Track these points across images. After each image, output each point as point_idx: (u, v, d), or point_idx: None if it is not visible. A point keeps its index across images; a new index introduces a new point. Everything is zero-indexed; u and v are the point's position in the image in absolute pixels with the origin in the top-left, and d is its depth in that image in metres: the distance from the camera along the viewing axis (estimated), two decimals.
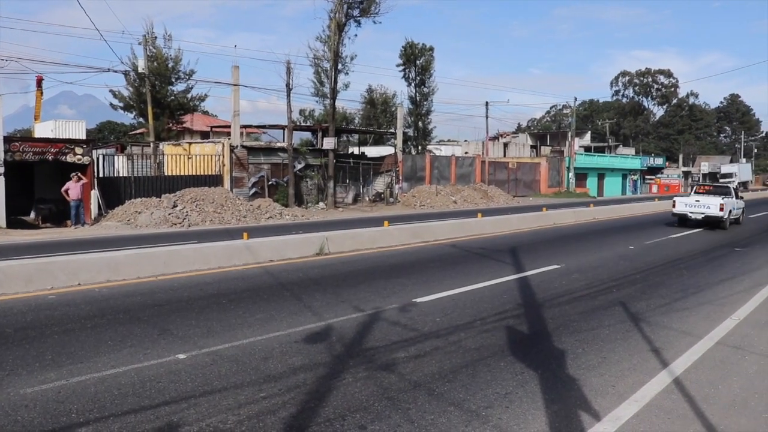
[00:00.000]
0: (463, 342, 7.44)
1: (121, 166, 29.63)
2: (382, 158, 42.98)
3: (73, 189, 22.77)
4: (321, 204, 35.52)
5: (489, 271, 12.67)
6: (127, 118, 53.81)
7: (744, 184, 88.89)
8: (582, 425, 5.07)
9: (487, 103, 56.04)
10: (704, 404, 5.54)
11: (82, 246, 16.54)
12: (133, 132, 56.34)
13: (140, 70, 32.32)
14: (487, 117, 56.31)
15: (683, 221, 24.52)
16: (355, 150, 48.30)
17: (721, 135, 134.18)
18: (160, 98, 35.28)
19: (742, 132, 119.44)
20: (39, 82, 31.25)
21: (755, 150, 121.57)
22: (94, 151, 25.51)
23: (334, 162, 35.64)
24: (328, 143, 35.52)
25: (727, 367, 6.67)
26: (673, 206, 25.02)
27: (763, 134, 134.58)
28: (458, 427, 4.98)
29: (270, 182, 34.13)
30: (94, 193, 24.56)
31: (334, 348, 7.10)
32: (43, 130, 32.75)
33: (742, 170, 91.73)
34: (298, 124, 50.84)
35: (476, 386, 5.92)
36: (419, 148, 53.10)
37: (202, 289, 10.42)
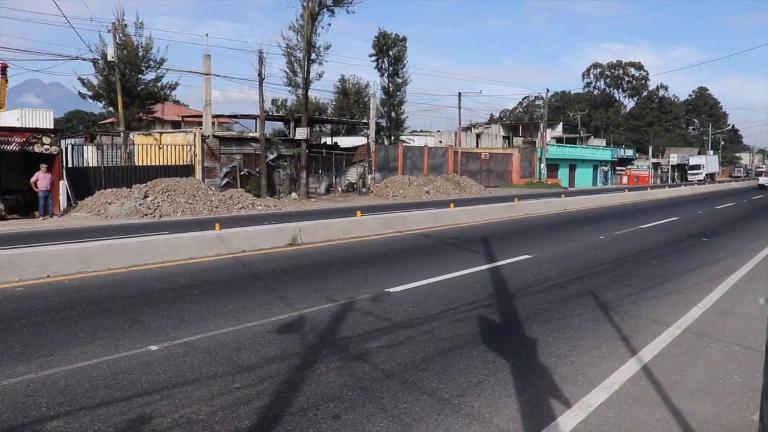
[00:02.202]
0: (435, 331, 7.49)
1: (90, 157, 29.21)
2: (354, 148, 42.92)
3: (41, 180, 22.44)
4: (293, 194, 35.39)
5: (461, 261, 12.75)
6: (97, 107, 53.13)
7: (711, 176, 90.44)
8: (553, 412, 5.14)
9: (459, 93, 56.28)
10: (671, 390, 5.65)
11: (50, 237, 16.31)
12: (102, 121, 55.62)
13: (110, 58, 31.87)
14: (459, 108, 56.63)
15: (763, 187, 53.02)
16: (328, 140, 48.16)
17: (690, 127, 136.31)
18: (130, 87, 34.81)
19: (710, 125, 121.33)
20: (3, 69, 30.63)
21: (722, 142, 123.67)
22: (62, 141, 25.09)
23: (306, 152, 35.53)
24: (301, 133, 35.36)
25: (693, 354, 6.80)
26: (758, 180, 55.94)
27: (730, 127, 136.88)
28: (431, 415, 5.03)
29: (242, 172, 33.91)
30: (63, 184, 24.19)
31: (307, 338, 7.11)
32: (8, 119, 32.12)
33: (709, 162, 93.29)
34: (270, 114, 50.54)
35: (449, 375, 5.97)
36: (392, 138, 53.13)
37: (174, 280, 10.36)
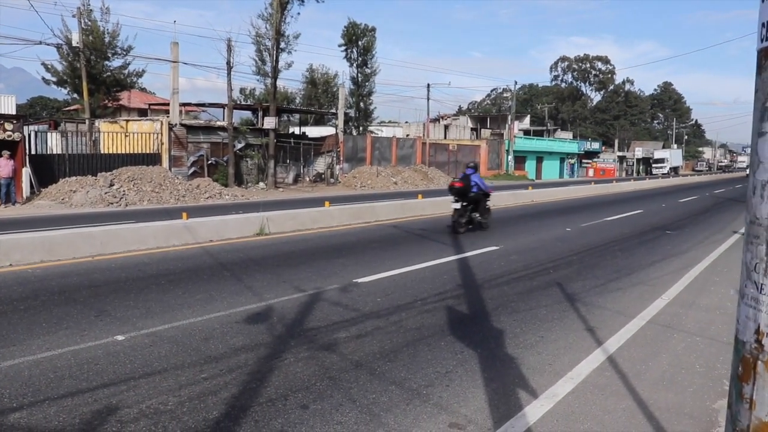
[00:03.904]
0: (404, 322, 7.52)
1: (54, 144, 28.69)
2: (323, 139, 42.77)
3: (3, 167, 22.00)
4: (261, 184, 35.17)
5: (430, 252, 12.80)
6: (61, 93, 51.85)
7: (675, 170, 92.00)
8: (520, 402, 5.19)
9: (428, 85, 56.46)
10: (636, 380, 5.75)
11: (13, 226, 15.99)
12: (67, 108, 54.52)
13: (74, 43, 31.17)
14: (428, 99, 56.74)
15: None
16: (296, 130, 47.89)
17: (655, 121, 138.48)
18: (95, 74, 34.15)
19: (674, 119, 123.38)
20: None
21: (686, 137, 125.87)
22: (25, 128, 24.61)
23: (274, 142, 35.31)
24: (269, 123, 35.13)
25: (657, 344, 6.92)
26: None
27: (694, 122, 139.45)
28: (399, 405, 5.04)
29: (210, 161, 33.58)
30: (26, 171, 23.73)
31: (276, 328, 7.08)
32: None
33: (673, 156, 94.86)
34: (238, 102, 50.02)
35: (417, 365, 6.00)
36: (360, 129, 52.99)
37: (141, 269, 10.24)
